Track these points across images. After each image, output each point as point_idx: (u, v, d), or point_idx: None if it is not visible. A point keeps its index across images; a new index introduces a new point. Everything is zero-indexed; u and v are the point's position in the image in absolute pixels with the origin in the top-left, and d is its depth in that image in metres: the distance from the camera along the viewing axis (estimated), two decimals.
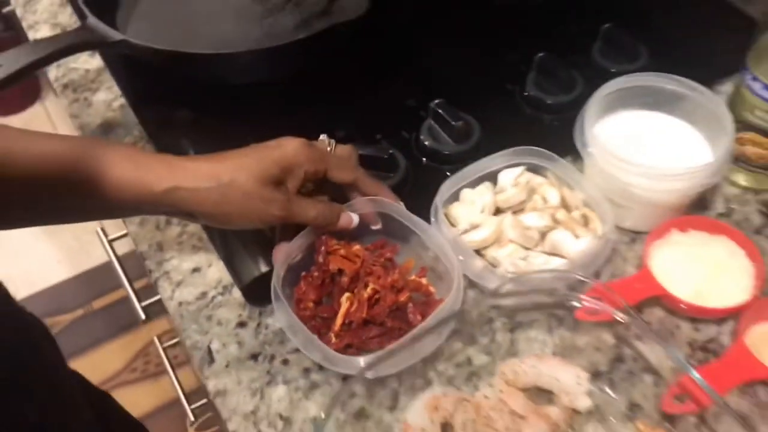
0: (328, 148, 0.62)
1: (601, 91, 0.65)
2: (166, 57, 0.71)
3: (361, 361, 0.54)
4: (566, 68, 0.75)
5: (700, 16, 0.79)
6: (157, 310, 0.93)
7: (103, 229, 1.01)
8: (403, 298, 0.59)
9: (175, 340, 1.18)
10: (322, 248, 0.61)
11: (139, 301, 0.91)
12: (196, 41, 0.77)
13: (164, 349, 1.13)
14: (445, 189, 0.63)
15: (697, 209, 0.67)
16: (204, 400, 1.04)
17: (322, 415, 0.52)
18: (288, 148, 0.57)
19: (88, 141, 0.59)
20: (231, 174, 0.55)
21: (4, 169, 0.51)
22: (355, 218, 0.61)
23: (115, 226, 0.95)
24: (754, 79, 0.62)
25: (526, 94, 0.75)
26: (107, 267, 1.09)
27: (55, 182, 0.54)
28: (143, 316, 0.93)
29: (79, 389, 0.65)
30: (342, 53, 0.76)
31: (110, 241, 0.99)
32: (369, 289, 0.59)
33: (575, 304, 0.57)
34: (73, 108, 0.79)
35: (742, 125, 0.65)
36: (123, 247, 0.96)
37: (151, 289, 0.73)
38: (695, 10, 0.79)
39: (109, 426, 0.71)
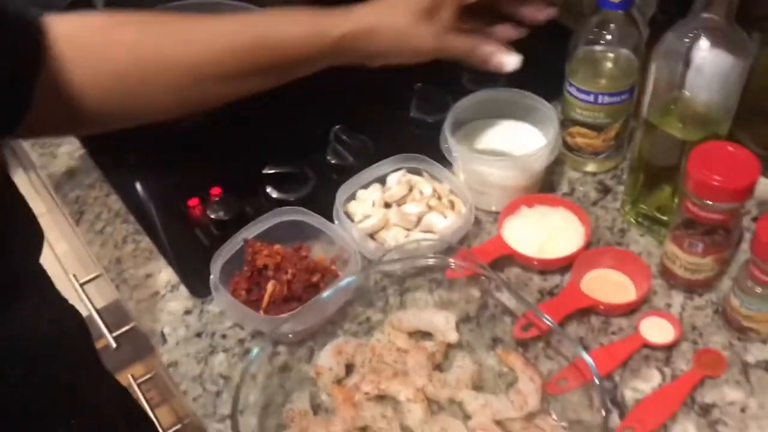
0: None
1: (457, 107, 0.83)
2: None
3: (278, 318, 0.70)
4: (441, 94, 0.93)
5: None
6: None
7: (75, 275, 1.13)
8: (315, 279, 0.75)
9: (148, 376, 1.29)
10: (249, 250, 0.77)
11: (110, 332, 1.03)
12: None
13: (142, 392, 1.20)
14: (342, 191, 0.80)
15: (547, 190, 0.85)
16: None
17: (254, 351, 0.67)
18: None
19: (260, 18, 0.68)
20: (390, 11, 0.64)
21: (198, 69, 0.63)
22: (514, 59, 0.69)
23: (84, 271, 1.09)
24: (571, 84, 0.80)
25: (410, 116, 0.93)
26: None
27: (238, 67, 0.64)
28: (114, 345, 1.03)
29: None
30: (265, 95, 0.94)
31: (81, 284, 1.11)
32: (289, 274, 0.76)
33: (445, 264, 0.74)
34: (42, 160, 0.96)
35: (571, 122, 0.83)
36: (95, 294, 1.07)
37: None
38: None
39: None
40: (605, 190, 0.85)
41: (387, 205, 0.81)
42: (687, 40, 0.66)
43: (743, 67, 0.67)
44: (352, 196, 0.82)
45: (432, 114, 0.92)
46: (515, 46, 0.98)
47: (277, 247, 0.77)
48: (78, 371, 0.60)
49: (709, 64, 0.67)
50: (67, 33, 0.60)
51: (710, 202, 0.66)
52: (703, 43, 0.66)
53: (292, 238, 0.79)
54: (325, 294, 0.71)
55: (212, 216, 0.83)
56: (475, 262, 0.72)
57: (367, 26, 0.64)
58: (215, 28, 0.65)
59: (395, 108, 0.95)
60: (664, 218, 0.77)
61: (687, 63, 0.67)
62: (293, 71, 0.69)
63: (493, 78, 0.94)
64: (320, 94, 0.98)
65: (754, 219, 0.80)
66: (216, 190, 0.85)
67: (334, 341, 0.72)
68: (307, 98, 0.97)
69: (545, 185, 0.85)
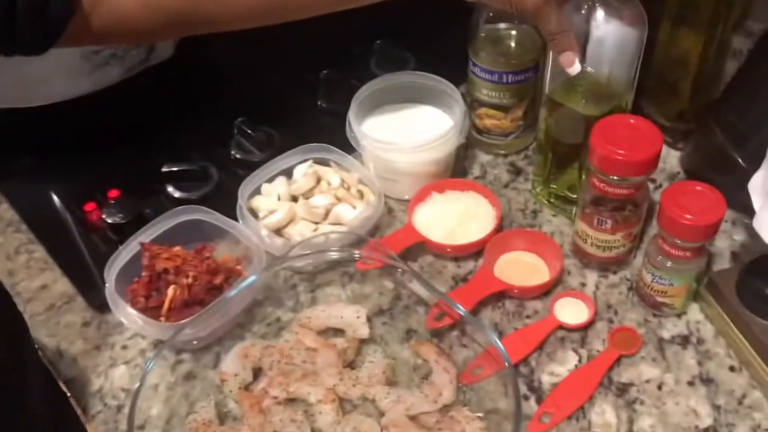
0: None
1: (359, 94, 0.80)
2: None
3: (178, 325, 0.66)
4: (348, 80, 0.90)
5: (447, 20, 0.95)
6: None
7: None
8: (218, 280, 0.72)
9: None
10: (146, 253, 0.73)
11: None
12: (32, 99, 0.89)
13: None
14: (245, 186, 0.76)
15: (459, 175, 0.83)
16: None
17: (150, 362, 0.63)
18: None
19: None
20: None
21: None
22: (578, 66, 0.64)
23: None
24: (474, 65, 0.78)
25: (318, 104, 0.90)
26: None
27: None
28: None
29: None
30: (161, 90, 0.90)
31: None
32: (190, 277, 0.72)
33: (354, 257, 0.71)
34: None
35: (478, 103, 0.81)
36: None
37: None
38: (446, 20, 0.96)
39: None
40: (517, 172, 0.83)
41: (294, 199, 0.78)
42: (583, 12, 0.65)
43: (640, 38, 0.66)
44: (257, 191, 0.78)
45: (340, 102, 0.88)
46: (417, 25, 0.97)
47: (176, 249, 0.73)
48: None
49: (606, 35, 0.65)
50: None
51: (615, 177, 0.65)
52: (600, 15, 0.64)
53: (195, 239, 0.75)
54: (227, 294, 0.67)
55: (109, 220, 0.78)
56: (385, 252, 0.70)
57: None
58: None
59: (302, 97, 0.91)
60: (575, 197, 0.76)
61: (585, 36, 0.65)
62: None
63: (400, 62, 0.92)
64: (221, 85, 0.95)
65: (660, 188, 0.79)
66: (113, 193, 0.81)
67: (239, 345, 0.68)
68: (208, 90, 0.94)
69: (457, 170, 0.83)
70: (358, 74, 0.91)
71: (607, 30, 0.65)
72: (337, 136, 0.81)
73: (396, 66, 0.91)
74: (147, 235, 0.73)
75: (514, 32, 0.77)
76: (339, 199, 0.76)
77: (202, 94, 0.92)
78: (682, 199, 0.62)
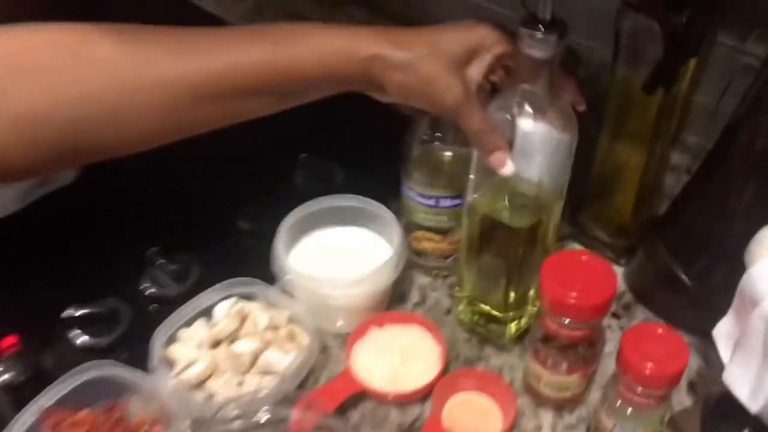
0: None
1: (286, 221, 0.73)
2: None
3: None
4: (271, 198, 0.83)
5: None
6: None
7: None
8: None
9: None
10: (47, 422, 0.63)
11: None
12: None
13: None
14: (159, 334, 0.68)
15: (397, 302, 0.77)
16: None
17: None
18: (481, 29, 0.57)
19: (274, 32, 0.56)
20: (425, 49, 0.55)
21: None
22: (510, 167, 0.59)
23: None
24: (409, 188, 0.73)
25: (239, 227, 0.83)
26: None
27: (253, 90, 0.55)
28: None
29: None
30: (62, 219, 0.81)
31: None
32: None
33: (286, 418, 0.63)
34: None
35: (414, 226, 0.76)
36: None
37: None
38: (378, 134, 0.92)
39: None
40: None
41: (216, 344, 0.70)
42: (509, 115, 0.59)
43: (571, 140, 0.62)
44: (174, 338, 0.70)
45: (264, 221, 0.81)
46: (345, 137, 0.92)
47: (83, 413, 0.64)
48: None
49: (534, 138, 0.59)
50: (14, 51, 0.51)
51: (569, 321, 0.60)
52: (526, 116, 0.59)
53: (103, 396, 0.66)
54: None
55: (2, 379, 0.68)
56: (321, 410, 0.63)
57: (399, 57, 0.55)
58: (217, 42, 0.55)
59: (222, 219, 0.84)
60: (500, 316, 0.70)
61: (510, 141, 0.60)
62: (309, 94, 0.59)
63: (328, 176, 0.86)
64: (131, 211, 0.87)
65: (614, 314, 0.76)
66: (7, 342, 0.71)
67: None
68: (116, 217, 0.85)
69: (395, 294, 0.77)
70: (283, 190, 0.85)
71: (535, 134, 0.59)
72: (263, 262, 0.74)
73: (323, 181, 0.86)
74: (48, 397, 0.64)
75: (449, 153, 0.72)
76: (267, 343, 0.69)
77: (110, 222, 0.83)
78: (643, 345, 0.57)
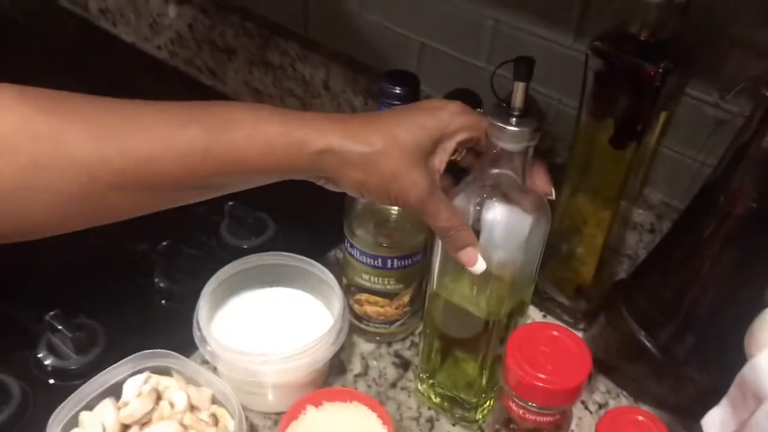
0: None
1: (210, 284, 0.64)
2: None
3: None
4: (192, 252, 0.74)
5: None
6: None
7: None
8: None
9: None
10: None
11: None
12: None
13: None
14: (57, 418, 0.57)
15: (337, 373, 0.68)
16: None
17: None
18: (444, 115, 0.51)
19: (218, 117, 0.48)
20: (384, 143, 0.49)
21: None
22: (482, 264, 0.52)
23: None
24: (352, 246, 0.65)
25: (155, 284, 0.73)
26: None
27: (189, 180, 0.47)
28: None
29: None
30: None
31: None
32: None
33: None
34: None
35: (356, 288, 0.68)
36: None
37: None
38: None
39: None
40: (404, 365, 0.70)
41: (125, 429, 0.59)
42: (477, 200, 0.53)
43: (545, 228, 0.56)
44: (74, 423, 0.59)
45: (183, 282, 0.72)
46: (289, 188, 0.83)
47: None
48: None
49: (504, 227, 0.53)
50: None
51: (536, 405, 0.53)
52: (496, 204, 0.53)
53: None
54: None
55: None
56: None
57: (356, 152, 0.49)
58: (144, 120, 0.47)
59: (134, 277, 0.73)
60: (469, 399, 0.63)
61: (477, 226, 0.53)
62: (248, 184, 0.53)
63: (257, 227, 0.77)
64: (26, 266, 0.75)
65: None
66: None
67: None
68: (8, 273, 0.73)
69: (333, 365, 0.68)
70: (206, 243, 0.75)
71: (505, 222, 0.53)
72: (182, 328, 0.64)
73: (251, 232, 0.77)
74: None
75: (395, 209, 0.65)
76: (186, 428, 0.59)
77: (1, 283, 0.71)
78: None
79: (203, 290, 0.63)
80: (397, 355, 0.71)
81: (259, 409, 0.64)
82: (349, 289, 0.68)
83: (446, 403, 0.65)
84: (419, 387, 0.67)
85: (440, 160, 0.52)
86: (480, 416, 0.64)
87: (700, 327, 0.64)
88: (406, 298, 0.68)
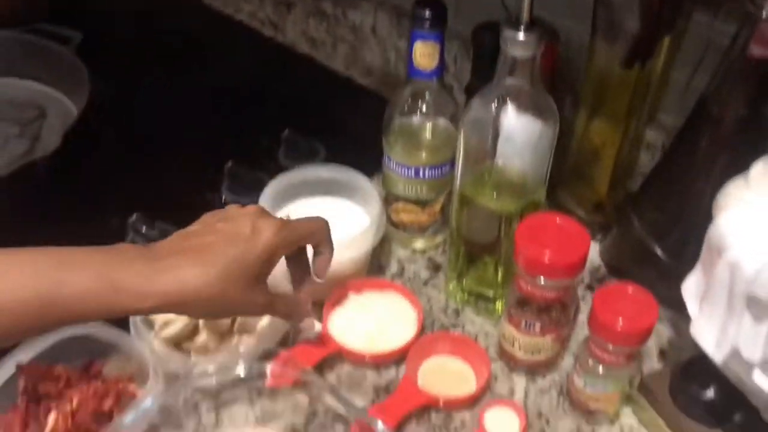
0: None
1: (267, 191, 0.74)
2: None
3: None
4: (255, 173, 0.84)
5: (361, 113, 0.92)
6: None
7: None
8: (108, 405, 0.63)
9: None
10: (23, 376, 0.63)
11: None
12: None
13: None
14: None
15: (376, 273, 0.78)
16: None
17: None
18: (264, 238, 0.54)
19: (45, 276, 0.49)
20: (221, 285, 0.51)
21: None
22: (318, 326, 0.66)
23: None
24: (389, 159, 0.74)
25: (222, 199, 0.84)
26: None
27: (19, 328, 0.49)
28: None
29: None
30: (45, 186, 0.81)
31: None
32: (74, 403, 0.63)
33: (263, 374, 0.64)
34: None
35: (394, 197, 0.77)
36: None
37: None
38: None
39: None
40: (435, 268, 0.79)
41: None
42: (494, 106, 0.62)
43: (552, 132, 0.64)
44: None
45: (245, 196, 0.83)
46: (327, 114, 0.94)
47: (59, 368, 0.65)
48: None
49: (517, 131, 0.62)
50: None
51: (543, 280, 0.61)
52: (510, 110, 0.61)
53: (81, 355, 0.66)
54: (119, 424, 0.58)
55: None
56: (298, 367, 0.63)
57: (182, 298, 0.51)
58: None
59: (203, 191, 0.85)
60: (490, 294, 0.72)
61: (496, 131, 0.62)
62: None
63: (310, 152, 0.87)
64: (114, 180, 0.87)
65: (589, 287, 0.77)
66: None
67: None
68: (99, 185, 0.86)
69: (373, 266, 0.78)
70: (265, 166, 0.86)
71: (517, 124, 0.62)
72: None
73: (305, 157, 0.87)
74: (25, 353, 0.64)
75: (429, 125, 0.74)
76: None
77: (92, 190, 0.84)
78: (614, 303, 0.59)
79: (261, 194, 0.74)
80: (429, 260, 0.80)
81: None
82: (387, 199, 0.78)
83: (471, 298, 0.74)
84: (448, 286, 0.76)
85: (268, 273, 0.56)
86: (498, 308, 0.73)
87: (702, 231, 0.71)
88: (437, 206, 0.77)
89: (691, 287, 0.57)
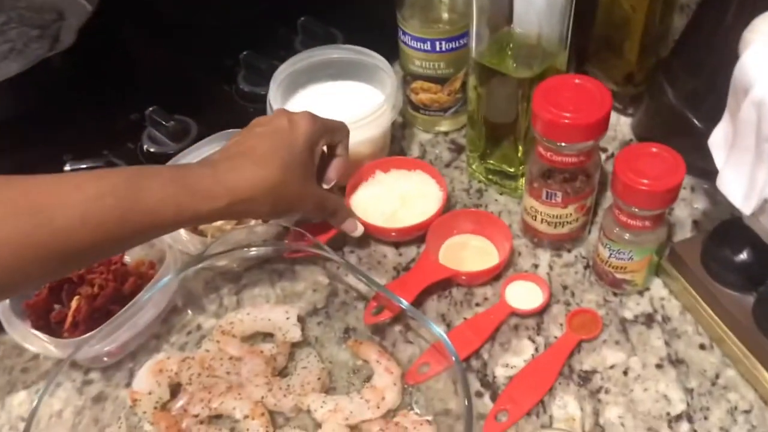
0: None
1: (279, 74, 0.72)
2: None
3: (82, 340, 0.57)
4: (271, 62, 0.82)
5: None
6: None
7: None
8: (127, 286, 0.63)
9: None
10: None
11: None
12: None
13: None
14: None
15: (398, 155, 0.76)
16: None
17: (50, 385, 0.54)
18: (302, 127, 0.58)
19: (122, 185, 0.49)
20: (281, 175, 0.55)
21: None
22: (360, 228, 0.64)
23: None
24: (404, 33, 0.71)
25: (238, 88, 0.82)
26: None
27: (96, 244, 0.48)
28: None
29: None
30: (62, 81, 0.81)
31: None
32: (96, 286, 0.63)
33: (279, 249, 0.63)
34: None
35: (411, 76, 0.74)
36: None
37: None
38: None
39: None
40: (458, 150, 0.77)
41: None
42: None
43: None
44: None
45: (262, 85, 0.81)
46: (355, 7, 0.90)
47: None
48: None
49: None
50: None
51: (563, 144, 0.58)
52: None
53: None
54: (138, 300, 0.59)
55: None
56: (311, 242, 0.62)
57: (251, 193, 0.54)
58: (71, 198, 0.47)
59: (220, 81, 0.83)
60: (513, 171, 0.69)
61: None
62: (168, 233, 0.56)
63: (327, 40, 0.84)
64: (130, 73, 0.87)
65: (612, 157, 0.73)
66: None
67: (153, 358, 0.60)
68: (115, 79, 0.85)
69: (394, 151, 0.76)
70: (282, 55, 0.83)
71: None
72: None
73: (323, 44, 0.84)
74: None
75: None
76: None
77: (109, 84, 0.83)
78: (637, 163, 0.56)
79: (273, 76, 0.72)
80: (451, 141, 0.78)
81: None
82: (405, 80, 0.75)
83: (494, 177, 0.72)
84: (471, 166, 0.73)
85: (315, 163, 0.60)
86: (521, 184, 0.70)
87: None
88: (456, 84, 0.74)
89: (717, 138, 0.54)
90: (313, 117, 0.59)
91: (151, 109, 0.77)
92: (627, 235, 0.59)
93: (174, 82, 0.83)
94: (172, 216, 0.51)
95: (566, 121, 0.57)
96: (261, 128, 0.58)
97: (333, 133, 0.62)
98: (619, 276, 0.62)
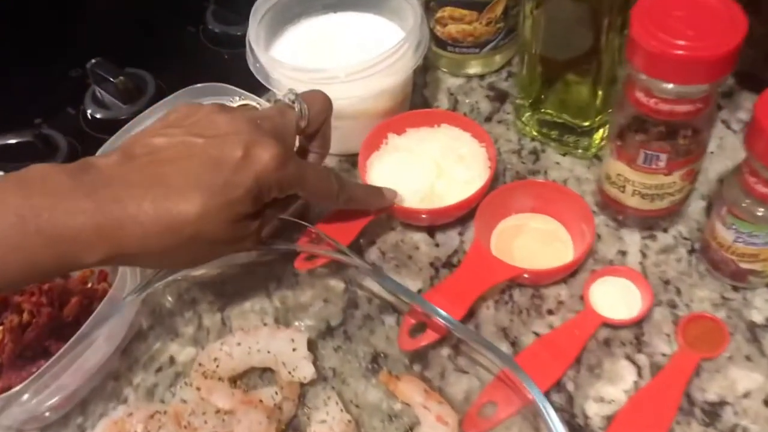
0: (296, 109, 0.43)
1: (259, 5, 0.53)
2: None
3: (7, 395, 0.41)
4: None
5: None
6: None
7: None
8: (70, 311, 0.46)
9: None
10: None
11: None
12: None
13: None
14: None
15: (420, 108, 0.58)
16: None
17: None
18: (258, 166, 0.38)
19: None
20: (194, 227, 0.37)
21: None
22: (397, 194, 0.48)
23: None
24: None
25: (207, 29, 0.64)
26: None
27: None
28: None
29: None
30: None
31: None
32: (24, 313, 0.46)
33: (290, 252, 0.46)
34: None
35: (437, 2, 0.56)
36: None
37: None
38: None
39: None
40: (501, 98, 0.59)
41: None
42: None
43: None
44: None
45: (239, 23, 0.63)
46: None
47: None
48: None
49: None
50: None
51: (673, 86, 0.41)
52: None
53: None
54: (84, 331, 0.42)
55: None
56: (330, 244, 0.45)
57: (139, 251, 0.37)
58: None
59: (183, 23, 0.64)
60: (584, 124, 0.52)
61: None
62: None
63: None
64: (68, 18, 0.67)
65: (719, 108, 0.56)
66: None
67: (110, 415, 0.43)
68: (50, 28, 0.66)
69: (414, 103, 0.58)
70: None
71: None
72: (237, 73, 0.55)
73: None
74: None
75: None
76: None
77: (39, 32, 0.64)
78: None
79: (253, 9, 0.53)
80: (491, 87, 0.60)
81: (333, 150, 0.55)
82: (429, 6, 0.56)
83: (554, 132, 0.54)
84: (521, 119, 0.56)
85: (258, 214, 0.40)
86: (595, 141, 0.53)
87: None
88: (498, 9, 0.55)
89: None
90: (285, 159, 0.39)
91: (94, 61, 0.59)
92: (762, 211, 0.42)
93: (123, 25, 0.64)
94: (15, 274, 0.35)
95: (682, 51, 0.39)
96: (199, 140, 0.38)
97: (301, 186, 0.41)
98: (744, 266, 0.45)
